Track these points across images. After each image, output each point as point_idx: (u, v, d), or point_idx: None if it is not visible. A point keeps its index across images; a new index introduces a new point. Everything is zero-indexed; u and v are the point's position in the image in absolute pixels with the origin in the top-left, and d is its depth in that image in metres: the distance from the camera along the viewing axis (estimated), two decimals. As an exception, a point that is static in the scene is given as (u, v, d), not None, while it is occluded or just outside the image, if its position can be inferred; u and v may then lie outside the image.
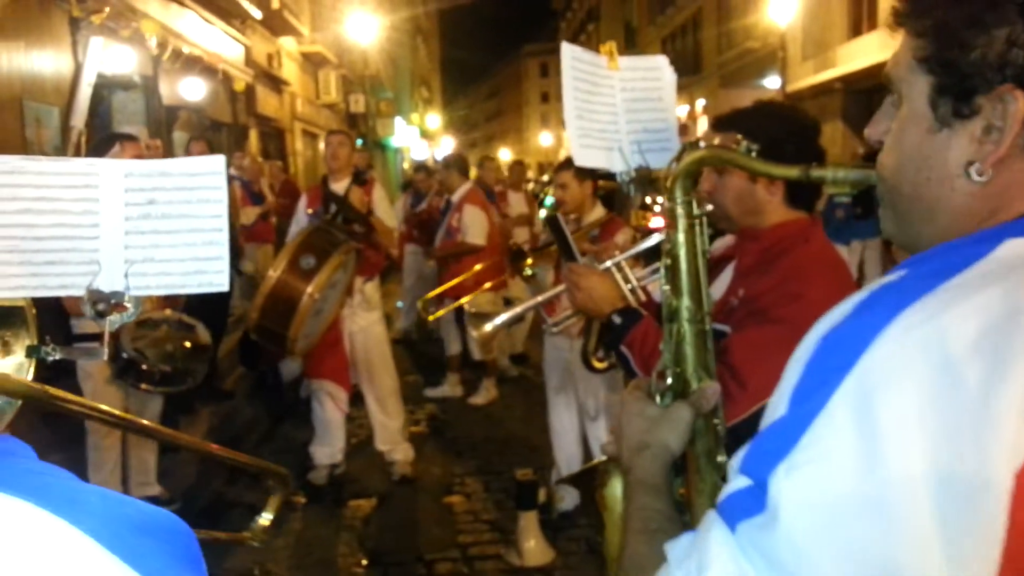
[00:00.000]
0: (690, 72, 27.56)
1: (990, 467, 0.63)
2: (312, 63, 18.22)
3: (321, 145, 18.32)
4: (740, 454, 0.76)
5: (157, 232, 0.98)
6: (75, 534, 0.29)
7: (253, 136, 13.66)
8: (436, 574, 4.02)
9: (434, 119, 45.08)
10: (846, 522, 0.65)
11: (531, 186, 18.29)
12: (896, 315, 0.68)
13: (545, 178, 20.14)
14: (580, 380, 4.17)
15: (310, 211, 4.93)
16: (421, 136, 35.90)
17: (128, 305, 0.98)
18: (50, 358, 0.97)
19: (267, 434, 6.05)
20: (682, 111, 27.71)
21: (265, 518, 1.55)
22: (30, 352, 0.94)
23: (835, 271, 1.91)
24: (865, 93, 16.20)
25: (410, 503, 4.84)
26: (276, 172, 10.90)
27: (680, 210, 1.20)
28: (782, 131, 1.84)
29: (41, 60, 7.05)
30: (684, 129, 27.49)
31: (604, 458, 1.31)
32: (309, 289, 4.03)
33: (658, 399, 1.16)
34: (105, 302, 0.97)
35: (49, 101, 7.16)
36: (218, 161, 1.01)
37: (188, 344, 3.40)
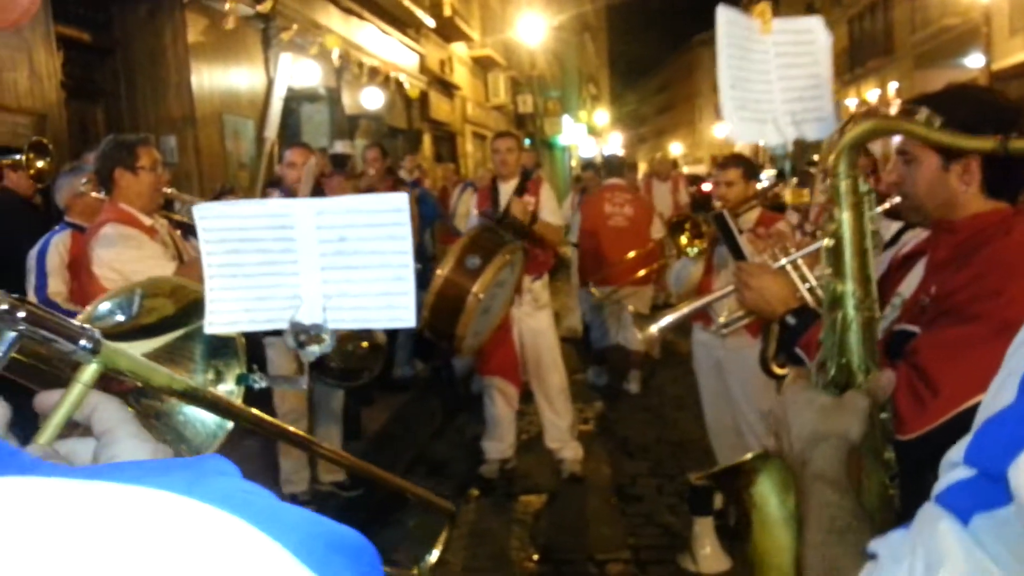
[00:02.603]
0: (881, 53, 25.74)
1: None
2: (481, 67, 18.69)
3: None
4: (960, 445, 0.70)
5: (349, 268, 1.02)
6: (275, 548, 0.31)
7: (427, 140, 14.20)
8: (608, 575, 3.96)
9: (602, 115, 44.95)
10: None
11: (707, 182, 17.75)
12: None
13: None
14: (734, 380, 3.98)
15: (477, 212, 5.02)
16: (589, 133, 35.90)
17: (325, 337, 1.02)
18: (256, 386, 1.04)
19: (441, 427, 6.23)
20: (873, 95, 25.97)
21: (433, 556, 1.57)
22: (239, 380, 1.01)
23: None
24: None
25: (580, 502, 4.81)
26: (449, 175, 11.24)
27: (844, 187, 1.12)
28: (977, 115, 1.64)
29: (238, 77, 7.65)
30: (875, 114, 25.70)
31: (748, 456, 1.28)
32: (474, 288, 4.09)
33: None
34: (306, 334, 1.01)
35: (245, 115, 7.77)
36: (401, 199, 1.03)
37: (365, 344, 3.57)
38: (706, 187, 14.75)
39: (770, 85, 1.65)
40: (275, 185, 5.54)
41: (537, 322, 5.10)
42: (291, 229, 1.01)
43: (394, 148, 11.72)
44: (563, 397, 5.21)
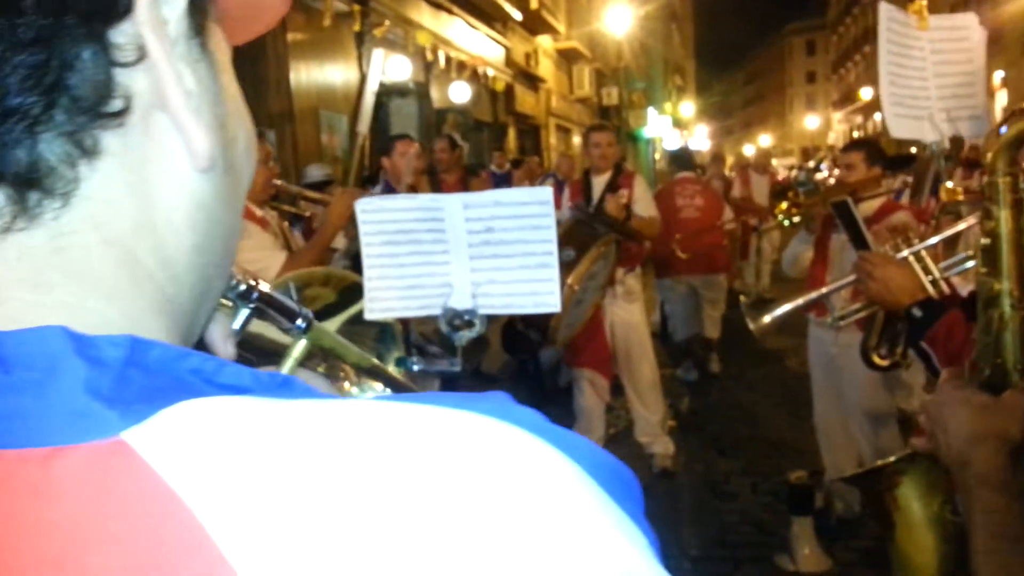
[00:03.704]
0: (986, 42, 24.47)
1: None
2: (566, 59, 18.63)
3: (575, 139, 18.72)
4: None
5: (497, 256, 1.06)
6: (577, 469, 0.33)
7: (511, 134, 14.25)
8: (703, 572, 3.90)
9: (687, 107, 44.19)
10: None
11: (795, 172, 17.40)
12: None
13: (811, 164, 18.99)
14: (846, 376, 3.86)
15: (571, 205, 5.00)
16: (674, 125, 35.36)
17: (476, 322, 1.05)
18: (415, 368, 1.09)
19: (529, 420, 6.25)
20: (973, 83, 24.72)
21: None
22: (399, 362, 1.06)
23: None
24: None
25: (672, 497, 4.76)
26: (534, 168, 11.28)
27: (1003, 184, 1.10)
28: None
29: (333, 73, 7.84)
30: None
31: (892, 458, 1.25)
32: (568, 280, 4.09)
33: None
34: (460, 319, 1.05)
35: (339, 110, 7.96)
36: (546, 192, 1.07)
37: (467, 335, 3.66)
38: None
39: (926, 82, 1.66)
40: (372, 182, 5.63)
41: (629, 315, 5.06)
42: (441, 221, 1.05)
43: (479, 141, 11.81)
44: (654, 391, 5.16)
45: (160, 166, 0.40)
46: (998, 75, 23.40)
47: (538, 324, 4.32)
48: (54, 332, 0.34)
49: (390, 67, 8.63)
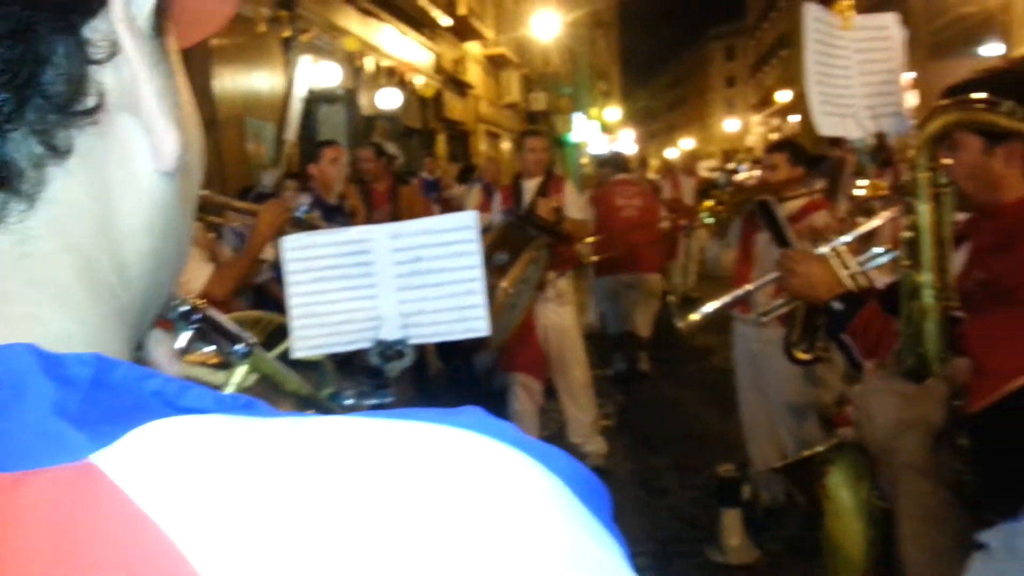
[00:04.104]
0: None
1: None
2: (495, 65, 18.71)
3: (504, 145, 18.80)
4: None
5: (425, 286, 1.07)
6: (557, 482, 0.33)
7: (441, 140, 14.23)
8: (636, 567, 3.98)
9: (613, 112, 44.81)
10: None
11: (717, 175, 17.85)
12: None
13: (730, 166, 19.51)
14: (768, 371, 4.00)
15: (502, 209, 5.05)
16: (601, 130, 35.81)
17: (407, 352, 1.07)
18: (347, 402, 1.11)
19: (464, 425, 6.25)
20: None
21: None
22: (332, 397, 1.07)
23: None
24: (1107, 53, 14.27)
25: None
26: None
27: (924, 179, 1.15)
28: None
29: (259, 80, 7.71)
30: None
31: (820, 448, 1.28)
32: (503, 284, 4.13)
33: None
34: (390, 350, 1.07)
35: (265, 117, 7.83)
36: (470, 216, 1.08)
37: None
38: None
39: (850, 80, 1.72)
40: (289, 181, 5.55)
41: (561, 318, 5.13)
42: (369, 254, 1.06)
43: (409, 148, 11.74)
44: (586, 392, 5.24)
45: (122, 168, 0.39)
46: (906, 76, 24.51)
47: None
48: (20, 350, 0.32)
49: (318, 73, 8.54)
